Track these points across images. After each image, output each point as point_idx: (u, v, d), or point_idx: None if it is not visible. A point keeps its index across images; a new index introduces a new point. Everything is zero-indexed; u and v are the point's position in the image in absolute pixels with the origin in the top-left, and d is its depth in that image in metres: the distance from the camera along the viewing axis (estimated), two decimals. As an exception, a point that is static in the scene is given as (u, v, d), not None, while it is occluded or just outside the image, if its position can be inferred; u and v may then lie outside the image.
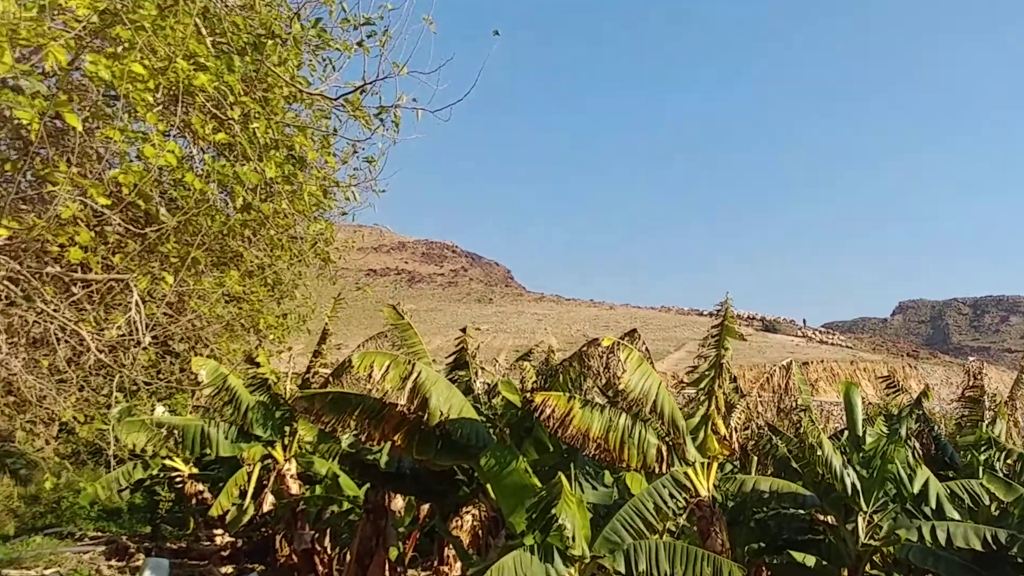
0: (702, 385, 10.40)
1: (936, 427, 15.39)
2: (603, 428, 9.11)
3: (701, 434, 10.20)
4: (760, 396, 11.98)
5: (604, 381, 9.76)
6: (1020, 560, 11.61)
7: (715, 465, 10.23)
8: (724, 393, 10.65)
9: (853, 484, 11.20)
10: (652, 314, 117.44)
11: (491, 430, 10.48)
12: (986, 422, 14.16)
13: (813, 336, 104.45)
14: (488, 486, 9.69)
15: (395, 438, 9.83)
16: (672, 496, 8.52)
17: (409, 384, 9.32)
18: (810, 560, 12.15)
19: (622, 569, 8.36)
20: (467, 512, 12.65)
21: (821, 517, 12.73)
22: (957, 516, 11.91)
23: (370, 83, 7.16)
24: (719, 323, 10.31)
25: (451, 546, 13.38)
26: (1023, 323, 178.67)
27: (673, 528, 10.89)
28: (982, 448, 13.47)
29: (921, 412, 14.79)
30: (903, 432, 11.96)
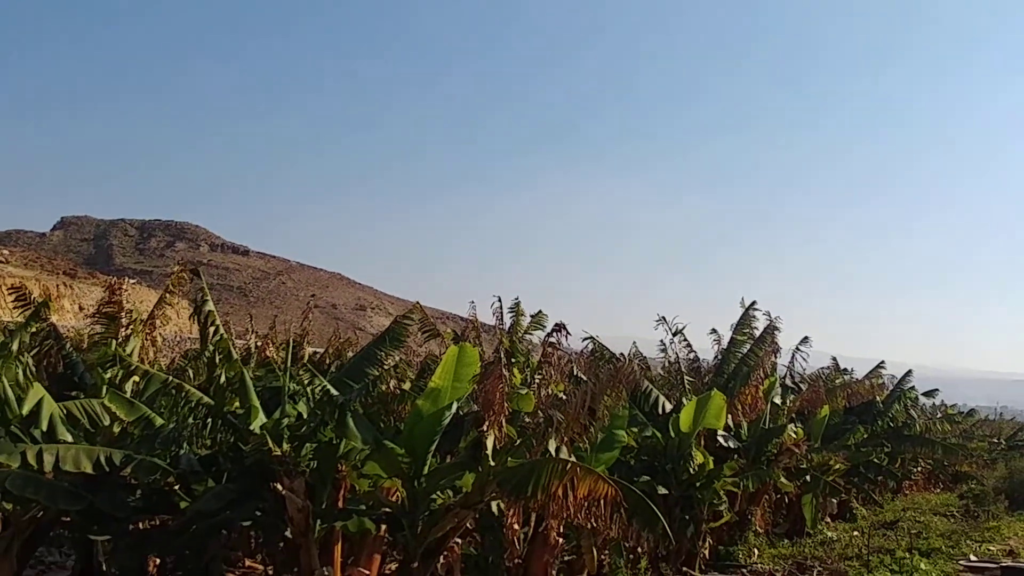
0: None
1: (68, 345, 15.47)
2: None
3: None
4: None
5: None
6: (134, 480, 12.39)
7: None
8: None
9: (-57, 406, 10.47)
10: None
11: None
12: (119, 340, 14.71)
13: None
14: None
15: None
16: None
17: None
18: None
19: None
20: None
21: None
22: (70, 438, 12.09)
23: None
24: None
25: None
26: (187, 249, 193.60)
27: None
28: (108, 366, 13.93)
29: (50, 326, 14.66)
30: (15, 347, 11.64)
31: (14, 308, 16.83)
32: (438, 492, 11.74)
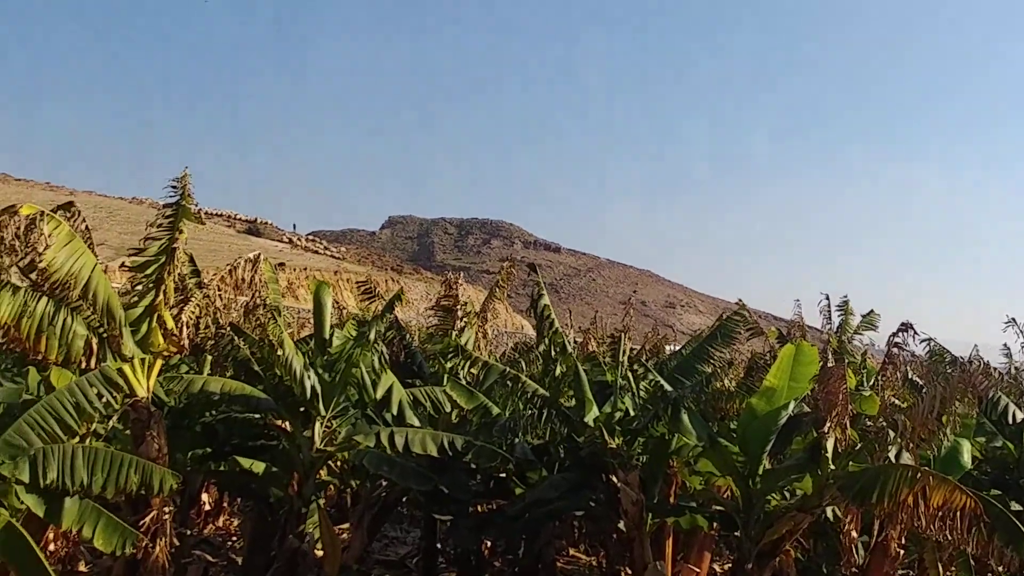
0: (149, 272, 9.72)
1: (408, 335, 16.54)
2: (14, 312, 8.20)
3: (144, 327, 9.61)
4: (219, 291, 11.53)
5: (27, 260, 8.77)
6: (474, 465, 13.04)
7: (158, 363, 9.74)
8: (177, 283, 10.13)
9: (313, 387, 11.53)
10: (122, 205, 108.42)
11: None
12: (456, 332, 15.54)
13: (299, 242, 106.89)
14: None
15: None
16: (100, 395, 7.93)
17: None
18: (259, 467, 12.32)
19: (26, 478, 7.61)
20: None
21: (279, 422, 12.94)
22: (417, 423, 12.94)
23: None
24: (174, 202, 9.69)
25: None
26: (502, 247, 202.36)
27: (103, 432, 10.19)
28: (449, 356, 14.74)
29: (393, 318, 15.77)
30: (371, 336, 12.52)
31: (361, 299, 18.33)
32: (773, 493, 11.40)
